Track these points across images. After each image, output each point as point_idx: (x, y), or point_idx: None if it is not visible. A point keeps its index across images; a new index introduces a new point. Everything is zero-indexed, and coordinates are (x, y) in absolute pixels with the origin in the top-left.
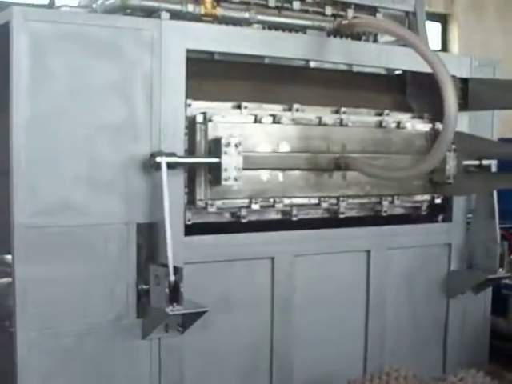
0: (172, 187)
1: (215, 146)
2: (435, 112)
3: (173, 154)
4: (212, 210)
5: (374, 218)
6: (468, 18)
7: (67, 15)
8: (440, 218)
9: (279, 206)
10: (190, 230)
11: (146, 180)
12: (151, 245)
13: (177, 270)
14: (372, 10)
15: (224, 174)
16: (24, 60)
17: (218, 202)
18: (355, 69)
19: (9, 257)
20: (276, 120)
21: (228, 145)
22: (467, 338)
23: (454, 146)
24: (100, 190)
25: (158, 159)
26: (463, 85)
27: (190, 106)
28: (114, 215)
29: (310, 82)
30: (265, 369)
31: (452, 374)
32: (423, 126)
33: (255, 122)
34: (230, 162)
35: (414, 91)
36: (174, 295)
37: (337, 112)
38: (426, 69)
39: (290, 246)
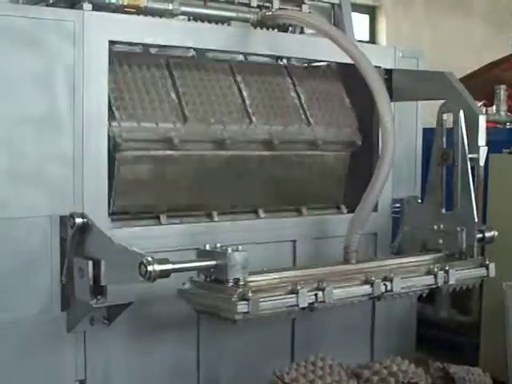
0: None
1: None
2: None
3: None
4: None
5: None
6: (396, 10)
7: None
8: None
9: None
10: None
11: (68, 173)
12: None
13: (99, 262)
14: (298, 2)
15: None
16: None
17: None
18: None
19: None
20: None
21: None
22: (394, 325)
23: None
24: (22, 183)
25: (150, 268)
26: (388, 76)
27: None
28: (36, 208)
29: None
30: (192, 360)
31: (378, 361)
32: None
33: None
34: None
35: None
36: (98, 288)
37: None
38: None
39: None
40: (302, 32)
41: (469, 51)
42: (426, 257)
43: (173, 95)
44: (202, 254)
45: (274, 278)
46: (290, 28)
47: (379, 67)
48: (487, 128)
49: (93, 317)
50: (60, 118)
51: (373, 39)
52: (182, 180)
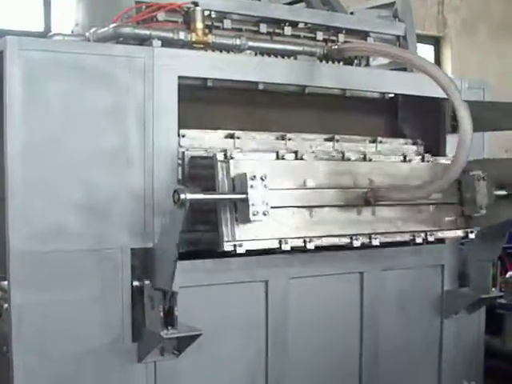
0: None
1: (240, 181)
2: (427, 136)
3: (197, 191)
4: (241, 251)
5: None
6: (461, 40)
7: (61, 44)
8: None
9: (310, 246)
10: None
11: (139, 206)
12: (146, 269)
13: (171, 294)
14: (363, 35)
15: (252, 209)
16: (18, 88)
17: (247, 244)
18: (347, 93)
19: (5, 282)
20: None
21: (253, 178)
22: (461, 357)
23: (482, 175)
24: (94, 216)
25: (183, 196)
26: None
27: (184, 136)
28: (108, 240)
29: (303, 108)
30: None
31: None
32: (446, 159)
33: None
34: (257, 195)
35: (406, 115)
36: (169, 319)
37: (331, 140)
38: (418, 92)
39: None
40: (367, 65)
41: None
42: None
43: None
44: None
45: None
46: (356, 61)
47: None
48: None
49: (163, 347)
50: (131, 153)
51: None
52: None
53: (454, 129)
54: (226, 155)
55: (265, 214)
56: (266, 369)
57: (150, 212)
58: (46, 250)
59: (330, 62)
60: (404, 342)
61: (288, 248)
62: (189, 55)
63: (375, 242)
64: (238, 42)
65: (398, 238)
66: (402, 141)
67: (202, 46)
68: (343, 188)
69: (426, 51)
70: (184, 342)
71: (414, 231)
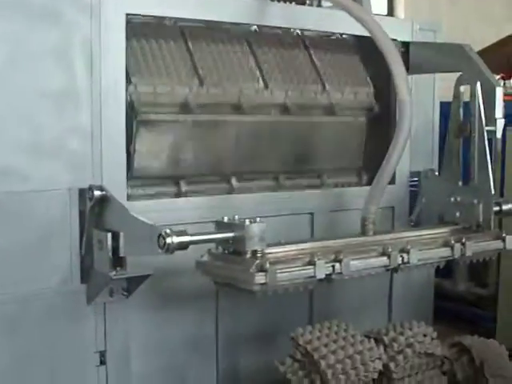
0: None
1: None
2: (379, 79)
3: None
4: None
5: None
6: None
7: None
8: None
9: None
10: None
11: (87, 146)
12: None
13: (119, 235)
14: None
15: None
16: None
17: None
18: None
19: None
20: None
21: None
22: (412, 298)
23: None
24: (41, 157)
25: (169, 240)
26: (405, 49)
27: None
28: (55, 181)
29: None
30: (211, 331)
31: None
32: None
33: None
34: None
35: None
36: (117, 259)
37: None
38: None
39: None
40: (319, 5)
41: (488, 24)
42: (443, 229)
43: (189, 62)
44: (221, 226)
45: (292, 250)
46: (308, 1)
47: (396, 40)
48: (504, 101)
49: (112, 289)
50: (78, 91)
51: (391, 13)
52: (199, 145)
53: None
54: None
55: None
56: (216, 308)
57: (97, 153)
58: None
59: (282, 2)
60: (354, 281)
61: None
62: None
63: None
64: None
65: None
66: None
67: None
68: None
69: None
70: (134, 283)
71: None
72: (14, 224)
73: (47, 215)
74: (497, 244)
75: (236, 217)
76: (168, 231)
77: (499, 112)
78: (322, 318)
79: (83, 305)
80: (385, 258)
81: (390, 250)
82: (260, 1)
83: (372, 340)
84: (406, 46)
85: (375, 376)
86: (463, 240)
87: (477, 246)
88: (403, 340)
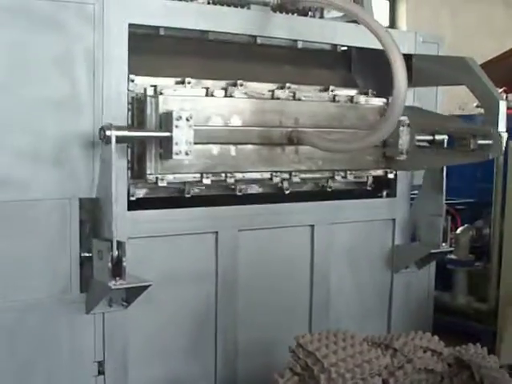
0: (116, 161)
1: (166, 120)
2: (380, 88)
3: (123, 128)
4: (162, 184)
5: (320, 194)
6: None
7: None
8: (384, 193)
9: (231, 180)
10: (135, 204)
11: (88, 155)
12: (94, 219)
13: (120, 245)
14: None
15: (175, 148)
16: None
17: (169, 177)
18: (301, 45)
19: None
20: (228, 94)
21: (179, 118)
22: (411, 311)
23: (407, 121)
24: (42, 166)
25: (108, 132)
26: (407, 61)
27: (133, 81)
28: (55, 190)
29: (256, 58)
30: (210, 342)
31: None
32: (377, 101)
33: (207, 95)
34: (181, 135)
35: (360, 67)
36: (117, 269)
37: (282, 88)
38: (371, 45)
39: (234, 221)
40: (321, 17)
41: (490, 37)
42: None
43: None
44: None
45: None
46: (310, 13)
47: None
48: (506, 115)
49: (111, 299)
50: (80, 101)
51: (393, 25)
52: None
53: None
54: (155, 90)
55: (187, 154)
56: (215, 319)
57: (98, 162)
58: None
59: (284, 13)
60: (355, 293)
61: (209, 182)
62: (140, 2)
63: (295, 179)
64: None
65: (318, 175)
66: (354, 91)
67: None
68: (269, 126)
69: (381, 6)
70: (133, 293)
71: (335, 170)
72: (14, 233)
73: (47, 224)
74: None
75: None
76: (108, 124)
77: (502, 126)
78: (322, 328)
79: (82, 314)
80: None
81: None
82: (262, 12)
83: (378, 349)
84: (408, 58)
85: None
86: None
87: None
88: (412, 346)
